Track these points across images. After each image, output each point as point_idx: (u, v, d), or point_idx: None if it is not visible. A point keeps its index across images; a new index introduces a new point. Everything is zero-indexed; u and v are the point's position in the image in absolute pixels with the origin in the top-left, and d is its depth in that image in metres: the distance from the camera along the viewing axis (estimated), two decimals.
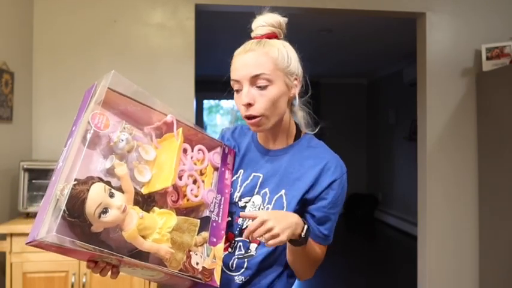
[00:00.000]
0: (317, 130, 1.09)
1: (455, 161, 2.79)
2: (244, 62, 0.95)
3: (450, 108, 2.79)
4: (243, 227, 1.00)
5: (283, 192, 0.99)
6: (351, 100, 7.02)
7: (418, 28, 2.88)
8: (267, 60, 0.94)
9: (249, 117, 0.96)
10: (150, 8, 2.60)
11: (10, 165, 2.25)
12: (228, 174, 1.03)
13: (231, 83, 0.98)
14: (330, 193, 0.98)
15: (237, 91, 0.98)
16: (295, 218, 0.89)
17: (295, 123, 1.08)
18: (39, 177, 2.14)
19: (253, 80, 0.94)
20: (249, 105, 0.94)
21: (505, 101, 2.53)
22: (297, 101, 1.03)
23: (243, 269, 0.99)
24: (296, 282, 1.10)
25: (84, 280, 2.06)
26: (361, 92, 7.09)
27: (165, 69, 2.59)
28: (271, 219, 0.85)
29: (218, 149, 1.02)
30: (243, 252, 1.00)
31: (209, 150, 1.00)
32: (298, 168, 1.00)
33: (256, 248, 0.99)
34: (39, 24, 2.52)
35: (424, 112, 2.79)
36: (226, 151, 1.04)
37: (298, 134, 1.07)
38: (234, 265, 1.00)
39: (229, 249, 1.01)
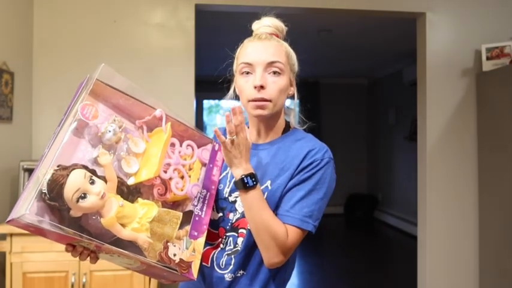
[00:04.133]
0: (305, 127, 1.11)
1: (455, 161, 2.79)
2: (261, 47, 0.98)
3: (450, 108, 2.79)
4: (234, 222, 1.01)
5: (268, 183, 1.00)
6: (351, 100, 7.02)
7: (418, 28, 2.88)
8: (281, 52, 1.00)
9: (258, 100, 0.97)
10: (150, 8, 2.60)
11: (10, 165, 2.25)
12: (216, 171, 1.04)
13: (240, 66, 1.00)
14: (302, 172, 0.98)
15: (245, 73, 0.99)
16: (249, 164, 0.94)
17: (285, 120, 1.10)
18: None
19: (268, 65, 0.97)
20: (261, 87, 0.96)
21: (505, 101, 2.53)
22: (295, 100, 1.07)
23: (231, 266, 1.00)
24: (296, 281, 1.10)
25: (84, 280, 2.06)
26: (361, 92, 7.09)
27: (165, 69, 2.59)
28: (239, 143, 0.91)
29: (208, 146, 1.04)
30: (232, 247, 1.01)
31: (199, 146, 1.02)
32: (283, 158, 1.01)
33: (242, 242, 0.99)
34: (39, 24, 2.52)
35: (424, 112, 2.79)
36: (216, 148, 1.06)
37: (287, 129, 1.09)
38: (224, 263, 1.00)
39: (221, 245, 1.02)
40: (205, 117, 7.26)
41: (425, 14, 2.77)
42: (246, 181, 0.92)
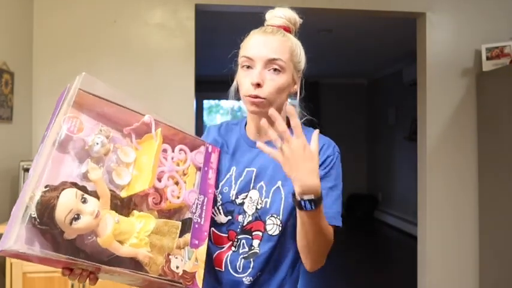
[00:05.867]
0: (304, 120, 1.08)
1: (455, 161, 2.79)
2: (263, 42, 0.95)
3: (450, 108, 2.79)
4: (245, 225, 0.99)
5: (279, 183, 0.98)
6: (351, 100, 7.02)
7: (418, 28, 2.88)
8: (284, 48, 0.96)
9: (253, 96, 0.95)
10: (150, 8, 2.60)
11: (10, 165, 2.25)
12: (211, 174, 1.01)
13: (242, 59, 0.98)
14: (321, 169, 0.98)
15: (245, 67, 0.97)
16: (316, 179, 0.80)
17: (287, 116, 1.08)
18: None
19: (268, 62, 0.94)
20: (257, 85, 0.94)
21: (505, 101, 2.53)
22: (297, 99, 1.04)
23: (250, 269, 0.98)
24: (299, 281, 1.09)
25: None
26: (361, 92, 7.09)
27: (165, 69, 2.59)
28: (299, 150, 0.79)
29: (201, 148, 1.00)
30: (246, 249, 0.99)
31: (191, 150, 0.98)
32: None
33: (259, 245, 0.98)
34: (39, 24, 2.52)
35: (424, 112, 2.79)
36: (210, 150, 1.02)
37: (288, 125, 1.06)
38: (241, 266, 0.98)
39: (233, 248, 1.00)
40: (205, 117, 7.26)
41: (425, 14, 2.77)
42: (303, 204, 0.82)
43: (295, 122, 0.78)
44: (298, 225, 0.90)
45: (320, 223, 0.87)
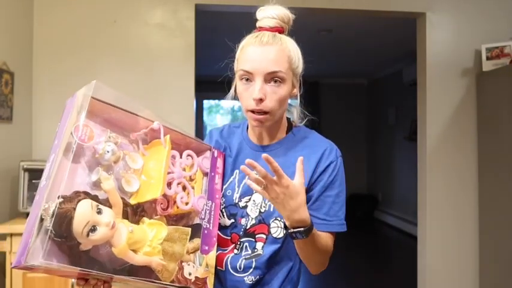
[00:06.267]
0: (305, 122, 1.08)
1: (455, 161, 2.79)
2: (262, 55, 0.92)
3: (450, 108, 2.79)
4: (248, 228, 0.99)
5: None
6: (351, 100, 7.02)
7: (418, 28, 2.88)
8: (283, 58, 0.93)
9: (257, 112, 0.94)
10: (150, 8, 2.60)
11: (10, 165, 2.25)
12: (218, 179, 1.01)
13: (240, 72, 0.95)
14: (323, 177, 0.98)
15: (245, 79, 0.95)
16: (303, 213, 0.84)
17: (287, 117, 1.08)
18: (39, 177, 2.11)
19: (269, 76, 0.92)
20: (260, 100, 0.92)
21: (505, 101, 2.53)
22: (298, 101, 1.04)
23: (252, 269, 0.98)
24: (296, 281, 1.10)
25: None
26: (361, 92, 7.09)
27: (165, 69, 2.59)
28: (284, 191, 0.81)
29: (207, 153, 1.00)
30: (249, 252, 0.99)
31: (198, 154, 0.98)
32: (294, 161, 0.97)
33: (263, 247, 0.98)
34: (39, 24, 2.52)
35: (424, 112, 2.79)
36: (216, 154, 1.02)
37: (289, 127, 1.06)
38: (242, 266, 0.99)
39: (235, 251, 1.00)
40: (205, 117, 7.27)
41: (425, 14, 2.77)
42: (294, 236, 0.86)
43: (275, 166, 0.80)
44: (295, 245, 0.92)
45: (316, 244, 0.90)
